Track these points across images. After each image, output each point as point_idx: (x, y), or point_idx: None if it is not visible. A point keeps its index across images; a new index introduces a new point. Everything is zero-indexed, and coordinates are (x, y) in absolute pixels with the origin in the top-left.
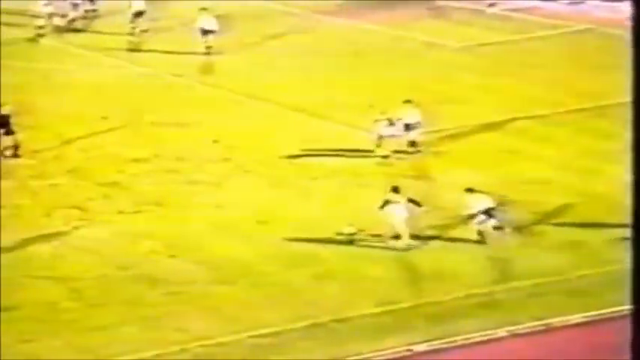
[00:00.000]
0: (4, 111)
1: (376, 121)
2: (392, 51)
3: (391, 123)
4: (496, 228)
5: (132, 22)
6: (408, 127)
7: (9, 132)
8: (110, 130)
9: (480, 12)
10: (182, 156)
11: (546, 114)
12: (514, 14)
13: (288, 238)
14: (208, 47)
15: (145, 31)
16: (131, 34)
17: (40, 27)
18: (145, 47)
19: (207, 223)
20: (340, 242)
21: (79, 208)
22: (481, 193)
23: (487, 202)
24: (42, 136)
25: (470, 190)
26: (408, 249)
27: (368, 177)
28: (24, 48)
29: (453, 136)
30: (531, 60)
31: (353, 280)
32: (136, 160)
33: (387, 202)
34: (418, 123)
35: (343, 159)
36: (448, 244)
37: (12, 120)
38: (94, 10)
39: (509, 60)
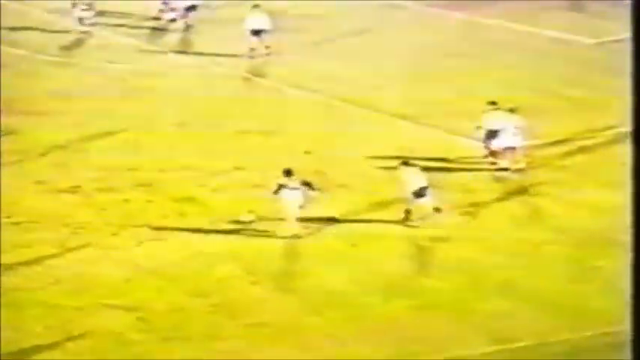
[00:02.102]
0: None
1: (488, 130)
2: (513, 49)
3: (506, 131)
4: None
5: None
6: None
7: None
8: (187, 138)
9: (619, 3)
10: (268, 168)
11: None
12: None
13: (386, 263)
14: (267, 47)
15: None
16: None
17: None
18: (221, 48)
19: (291, 245)
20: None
21: (150, 226)
22: (417, 168)
23: (421, 180)
24: (111, 144)
25: (406, 164)
26: (294, 237)
27: (480, 194)
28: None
29: (584, 148)
30: None
31: (463, 312)
32: (216, 173)
33: (280, 187)
34: (523, 130)
35: (452, 173)
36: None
37: None
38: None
39: None
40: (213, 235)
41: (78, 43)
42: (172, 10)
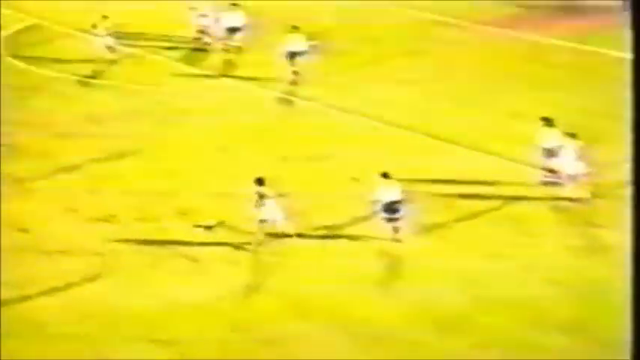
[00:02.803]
0: None
1: (545, 149)
2: (577, 70)
3: (565, 155)
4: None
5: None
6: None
7: None
8: (229, 164)
9: None
10: (314, 196)
11: None
12: None
13: (439, 296)
14: (295, 72)
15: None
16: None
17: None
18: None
19: (342, 276)
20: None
21: (188, 257)
22: (395, 181)
23: (395, 194)
24: (147, 169)
25: (385, 175)
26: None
27: (539, 225)
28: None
29: None
30: None
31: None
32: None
33: (261, 197)
34: (584, 156)
35: (512, 202)
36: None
37: None
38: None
39: None
40: (256, 267)
41: (114, 65)
42: (210, 32)
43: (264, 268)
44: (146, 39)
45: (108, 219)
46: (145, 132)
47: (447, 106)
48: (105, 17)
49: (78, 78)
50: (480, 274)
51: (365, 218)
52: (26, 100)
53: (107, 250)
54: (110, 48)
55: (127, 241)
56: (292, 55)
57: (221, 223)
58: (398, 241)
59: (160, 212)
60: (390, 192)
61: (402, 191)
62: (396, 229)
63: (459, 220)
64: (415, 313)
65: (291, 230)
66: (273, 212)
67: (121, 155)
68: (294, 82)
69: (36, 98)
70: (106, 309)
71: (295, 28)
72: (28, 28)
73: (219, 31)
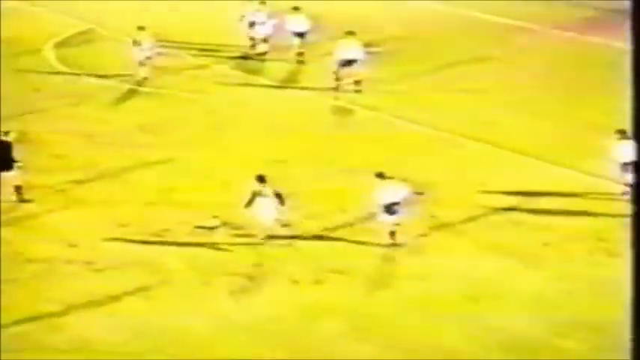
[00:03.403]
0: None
1: (621, 163)
2: None
3: None
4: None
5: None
6: None
7: (9, 166)
8: (286, 177)
9: None
10: (377, 211)
11: None
12: None
13: (506, 322)
14: (357, 82)
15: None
16: (299, 61)
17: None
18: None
19: (405, 298)
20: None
21: (244, 275)
22: (394, 180)
23: (394, 195)
24: (199, 181)
25: (380, 176)
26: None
27: (615, 242)
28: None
29: None
30: None
31: None
32: (318, 216)
33: (255, 195)
34: None
35: (588, 218)
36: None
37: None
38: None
39: None
40: (315, 287)
41: (165, 74)
42: (267, 39)
43: (325, 288)
44: (196, 47)
45: (159, 234)
46: (196, 142)
47: (514, 117)
48: (141, 28)
49: (129, 86)
50: (551, 295)
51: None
52: (75, 108)
53: (158, 266)
54: (149, 59)
55: (178, 256)
56: (347, 63)
57: (225, 224)
58: (396, 245)
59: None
60: (389, 193)
61: (402, 193)
62: (392, 234)
63: (526, 236)
64: (486, 338)
65: (287, 231)
66: (271, 211)
67: (172, 167)
68: (356, 90)
69: (85, 106)
70: (154, 327)
71: (351, 34)
72: (80, 34)
73: (279, 37)
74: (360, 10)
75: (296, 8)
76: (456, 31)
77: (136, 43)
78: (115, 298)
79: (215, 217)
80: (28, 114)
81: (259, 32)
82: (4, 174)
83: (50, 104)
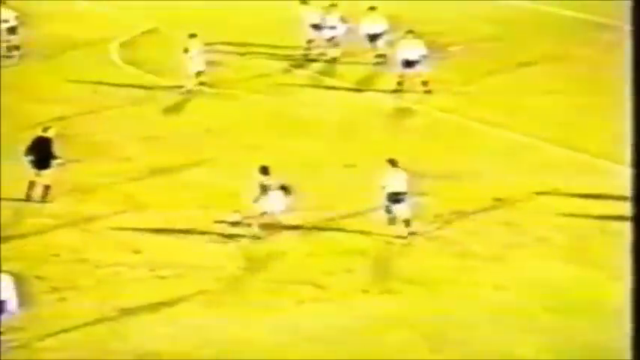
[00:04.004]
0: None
1: None
2: None
3: None
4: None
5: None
6: None
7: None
8: (357, 182)
9: None
10: (452, 219)
11: None
12: None
13: (587, 335)
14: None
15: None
16: (378, 63)
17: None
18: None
19: (482, 308)
20: None
21: (313, 284)
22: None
23: (401, 185)
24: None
25: (392, 163)
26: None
27: None
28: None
29: None
30: None
31: None
32: (390, 222)
33: (264, 188)
34: None
35: None
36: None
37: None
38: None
39: None
40: (388, 296)
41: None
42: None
43: (396, 298)
44: (259, 47)
45: (226, 240)
46: (262, 145)
47: (595, 120)
48: (193, 35)
49: (194, 87)
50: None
51: None
52: (139, 110)
53: (225, 274)
54: (200, 68)
55: (244, 262)
56: (410, 63)
57: (247, 218)
58: (401, 237)
59: (280, 237)
60: (396, 182)
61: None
62: (392, 221)
63: (610, 245)
64: (564, 350)
65: (288, 221)
66: (275, 204)
67: (237, 170)
68: (425, 91)
69: (149, 107)
70: (218, 335)
71: (410, 32)
72: (146, 33)
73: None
74: (437, 9)
75: (372, 8)
76: (538, 29)
77: (186, 51)
78: (179, 305)
79: (236, 211)
80: (90, 114)
81: (329, 35)
82: (43, 171)
83: (113, 105)
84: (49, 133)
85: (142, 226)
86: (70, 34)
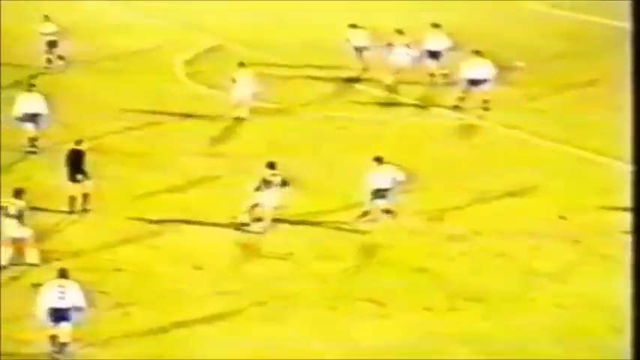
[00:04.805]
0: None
1: None
2: None
3: None
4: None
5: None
6: None
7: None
8: (419, 198)
9: None
10: (514, 236)
11: None
12: None
13: None
14: (485, 100)
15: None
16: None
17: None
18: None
19: (545, 327)
20: None
21: (374, 301)
22: (390, 166)
23: (385, 181)
24: (318, 198)
25: (380, 161)
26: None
27: None
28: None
29: None
30: None
31: None
32: (452, 239)
33: (265, 182)
34: None
35: None
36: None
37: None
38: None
39: None
40: (450, 314)
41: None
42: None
43: (459, 315)
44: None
45: (285, 257)
46: (324, 162)
47: None
48: (242, 65)
49: (256, 104)
50: None
51: None
52: (204, 129)
53: (285, 291)
54: (247, 99)
55: (305, 279)
56: (476, 82)
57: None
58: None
59: (341, 251)
60: (381, 178)
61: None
62: (365, 214)
63: None
64: None
65: (270, 217)
66: (271, 199)
67: (300, 187)
68: (484, 108)
69: (212, 123)
70: (279, 351)
71: (477, 53)
72: (210, 50)
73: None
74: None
75: (436, 25)
76: (605, 44)
77: (234, 81)
78: (239, 319)
79: (246, 212)
80: (150, 127)
81: (395, 61)
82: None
83: (174, 120)
84: (83, 146)
85: (201, 242)
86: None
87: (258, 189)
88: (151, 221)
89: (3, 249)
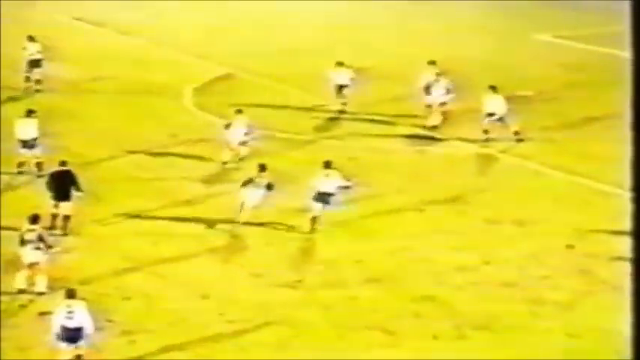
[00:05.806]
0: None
1: None
2: None
3: None
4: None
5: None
6: None
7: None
8: (427, 227)
9: None
10: (522, 265)
11: None
12: None
13: None
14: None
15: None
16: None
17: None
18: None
19: (554, 356)
20: None
21: (382, 329)
22: (336, 173)
23: (329, 185)
24: (339, 231)
25: (328, 166)
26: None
27: None
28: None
29: None
30: None
31: None
32: (461, 268)
33: (249, 181)
34: None
35: None
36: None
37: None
38: None
39: None
40: (459, 343)
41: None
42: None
43: (469, 344)
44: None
45: (293, 285)
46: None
47: None
48: (239, 111)
49: (268, 132)
50: None
51: None
52: (209, 154)
53: (293, 318)
54: (242, 144)
55: (313, 308)
56: (491, 115)
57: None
58: (313, 231)
59: (349, 279)
60: (326, 182)
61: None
62: (314, 219)
63: None
64: None
65: (247, 213)
66: (254, 198)
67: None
68: (517, 140)
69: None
70: None
71: (492, 88)
72: (219, 79)
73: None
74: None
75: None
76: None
77: (227, 127)
78: (248, 349)
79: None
80: (163, 157)
81: (436, 100)
82: (63, 203)
83: (185, 150)
84: (67, 166)
85: (210, 271)
86: (147, 79)
87: (244, 185)
88: (157, 248)
89: (22, 273)
